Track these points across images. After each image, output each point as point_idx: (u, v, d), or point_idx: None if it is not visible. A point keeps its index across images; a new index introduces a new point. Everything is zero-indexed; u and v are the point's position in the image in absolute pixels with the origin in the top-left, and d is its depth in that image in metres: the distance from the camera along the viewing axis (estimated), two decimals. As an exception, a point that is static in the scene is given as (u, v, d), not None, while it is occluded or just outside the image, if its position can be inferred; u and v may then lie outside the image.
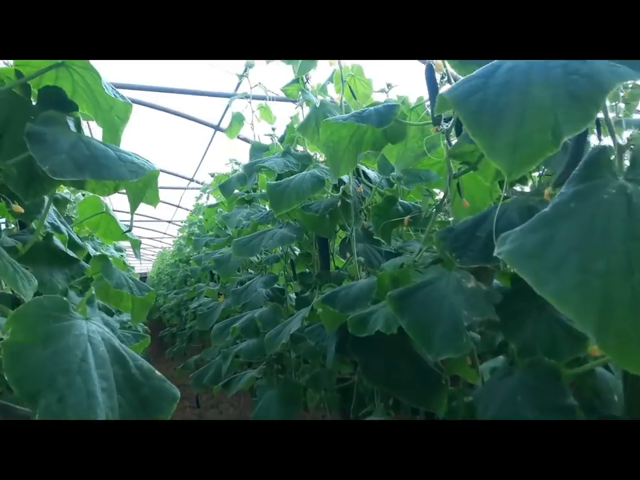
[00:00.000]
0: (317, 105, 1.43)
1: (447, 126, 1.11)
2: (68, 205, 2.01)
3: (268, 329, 1.67)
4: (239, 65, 2.73)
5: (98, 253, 1.89)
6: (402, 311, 0.83)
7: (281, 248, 2.17)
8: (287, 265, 2.31)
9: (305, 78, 1.85)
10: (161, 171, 7.82)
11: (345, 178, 1.57)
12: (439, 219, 1.29)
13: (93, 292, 0.74)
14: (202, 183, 5.18)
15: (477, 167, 1.06)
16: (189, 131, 6.41)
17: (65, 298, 0.69)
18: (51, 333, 0.64)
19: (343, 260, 2.28)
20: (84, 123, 1.12)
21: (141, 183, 0.87)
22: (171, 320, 7.15)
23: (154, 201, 1.07)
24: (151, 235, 14.94)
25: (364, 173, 1.68)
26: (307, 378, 1.67)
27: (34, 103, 0.92)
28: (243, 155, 3.41)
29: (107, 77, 1.00)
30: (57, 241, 1.24)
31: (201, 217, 4.75)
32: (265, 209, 2.39)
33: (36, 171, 0.87)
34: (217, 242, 3.29)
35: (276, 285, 2.20)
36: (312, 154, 1.90)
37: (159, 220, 12.35)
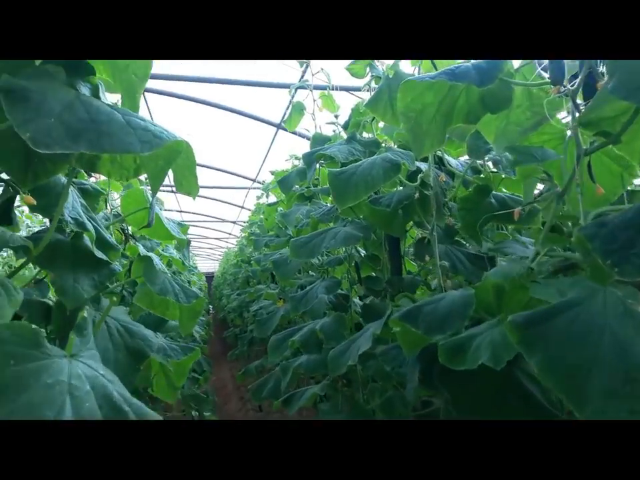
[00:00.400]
0: (390, 76, 1.17)
1: (573, 85, 0.82)
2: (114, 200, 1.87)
3: (331, 344, 1.43)
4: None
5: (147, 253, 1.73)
6: (532, 345, 0.56)
7: (344, 249, 1.92)
8: (350, 268, 2.06)
9: (373, 52, 1.59)
10: (224, 171, 7.94)
11: (422, 165, 1.30)
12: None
13: (85, 314, 0.53)
14: (263, 181, 5.06)
15: (619, 139, 0.76)
16: (251, 131, 6.38)
17: (34, 326, 0.47)
18: (10, 381, 0.42)
19: (413, 263, 2.00)
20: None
21: (161, 161, 0.65)
22: (234, 320, 7.14)
23: (192, 189, 0.86)
24: (217, 235, 15.25)
25: (444, 160, 1.40)
26: (378, 403, 1.42)
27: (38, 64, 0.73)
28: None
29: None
30: (88, 240, 1.06)
31: (261, 216, 4.62)
32: (326, 206, 2.15)
33: (34, 150, 0.67)
34: (277, 242, 3.12)
35: (339, 290, 1.96)
36: (381, 141, 1.64)
37: (223, 220, 12.55)
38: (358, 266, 1.98)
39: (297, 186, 2.54)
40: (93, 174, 1.98)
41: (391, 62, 1.67)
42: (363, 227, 1.50)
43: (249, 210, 8.80)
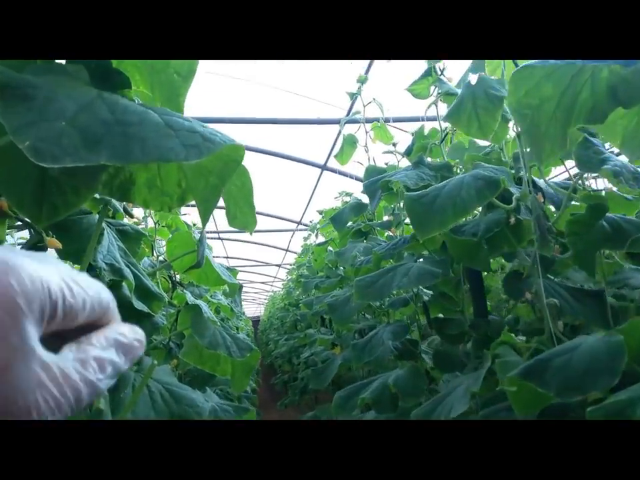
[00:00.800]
0: (473, 82, 1.00)
1: None
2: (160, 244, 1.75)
3: (409, 402, 1.21)
4: (342, 90, 2.40)
5: (194, 302, 1.58)
6: None
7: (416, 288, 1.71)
8: (417, 309, 1.84)
9: (438, 68, 1.44)
10: (269, 215, 7.93)
11: (512, 188, 1.10)
12: None
13: (102, 405, 0.35)
14: (310, 222, 4.94)
15: None
16: (295, 174, 6.34)
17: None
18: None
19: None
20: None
21: (214, 177, 0.48)
22: (282, 366, 6.91)
23: (249, 221, 0.69)
24: (263, 279, 15.24)
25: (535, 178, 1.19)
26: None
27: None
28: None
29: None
30: (127, 289, 0.91)
31: (309, 257, 4.47)
32: (384, 242, 1.97)
33: (50, 175, 0.53)
34: (328, 283, 2.94)
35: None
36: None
37: (268, 264, 12.54)
38: (426, 307, 1.76)
39: (350, 222, 2.39)
40: (142, 221, 1.88)
41: (455, 79, 1.51)
42: (438, 261, 1.30)
43: (294, 252, 8.73)
